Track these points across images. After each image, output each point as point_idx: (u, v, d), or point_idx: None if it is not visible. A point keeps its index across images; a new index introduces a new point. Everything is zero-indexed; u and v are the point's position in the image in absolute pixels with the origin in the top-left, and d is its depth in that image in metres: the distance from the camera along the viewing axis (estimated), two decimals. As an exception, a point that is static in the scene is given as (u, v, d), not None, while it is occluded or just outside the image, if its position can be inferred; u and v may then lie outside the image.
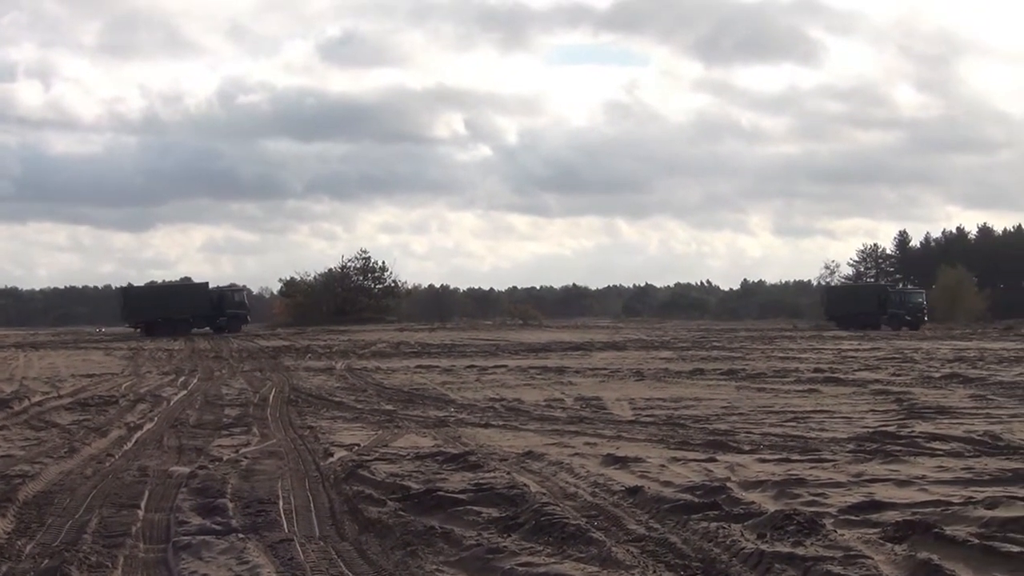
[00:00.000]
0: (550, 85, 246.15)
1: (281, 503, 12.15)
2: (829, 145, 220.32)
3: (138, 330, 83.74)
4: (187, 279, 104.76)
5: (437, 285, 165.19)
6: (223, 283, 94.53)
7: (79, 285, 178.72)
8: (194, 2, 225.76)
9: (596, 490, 12.40)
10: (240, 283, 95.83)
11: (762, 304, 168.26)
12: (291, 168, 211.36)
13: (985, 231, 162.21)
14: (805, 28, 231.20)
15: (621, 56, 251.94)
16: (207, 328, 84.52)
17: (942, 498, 11.68)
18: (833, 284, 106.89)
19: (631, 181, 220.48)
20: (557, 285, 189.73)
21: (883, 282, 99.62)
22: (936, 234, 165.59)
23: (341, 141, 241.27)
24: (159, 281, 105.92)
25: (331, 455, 15.97)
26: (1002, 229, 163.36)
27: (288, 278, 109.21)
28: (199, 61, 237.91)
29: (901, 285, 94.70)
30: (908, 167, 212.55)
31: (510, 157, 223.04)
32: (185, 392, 28.16)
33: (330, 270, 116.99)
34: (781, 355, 44.67)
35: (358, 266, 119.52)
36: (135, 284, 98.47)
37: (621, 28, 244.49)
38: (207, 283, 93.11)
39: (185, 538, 10.48)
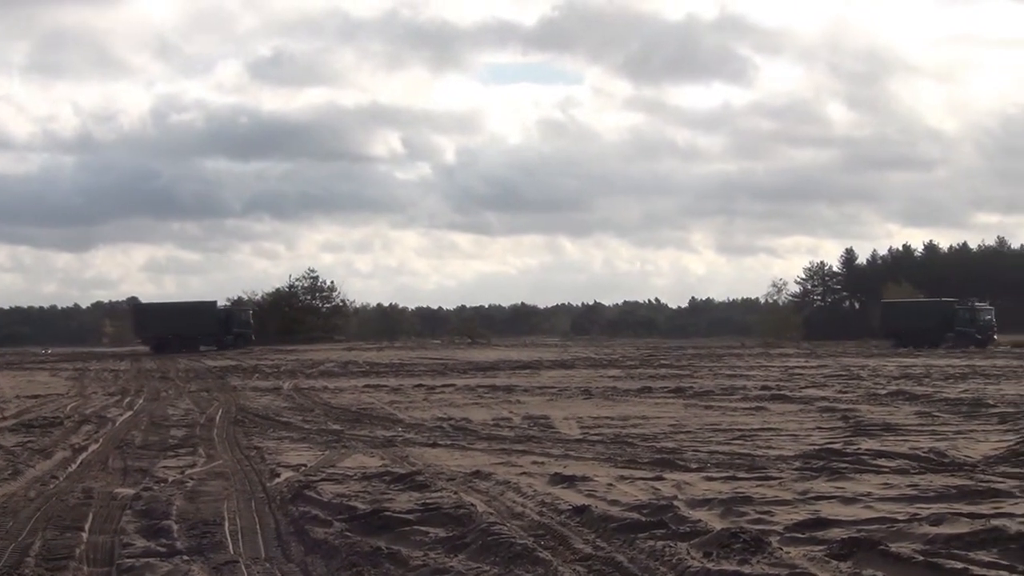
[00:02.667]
0: (485, 103, 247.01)
1: (227, 524, 12.08)
2: (765, 163, 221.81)
3: (148, 347, 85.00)
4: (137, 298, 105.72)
5: (384, 304, 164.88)
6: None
7: (23, 305, 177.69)
8: (121, 21, 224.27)
9: (543, 509, 12.38)
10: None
11: (710, 322, 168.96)
12: (229, 187, 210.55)
13: (931, 249, 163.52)
14: (733, 47, 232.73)
15: (554, 75, 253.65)
16: (214, 346, 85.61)
17: (887, 515, 11.72)
18: (891, 300, 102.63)
19: (571, 199, 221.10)
20: (505, 303, 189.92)
21: (949, 298, 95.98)
22: (882, 251, 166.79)
23: (278, 160, 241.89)
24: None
25: (277, 476, 15.90)
26: (948, 246, 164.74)
27: (236, 297, 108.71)
28: (130, 80, 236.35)
29: (971, 302, 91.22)
30: (845, 185, 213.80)
31: (449, 175, 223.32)
32: (131, 413, 27.96)
33: (277, 289, 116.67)
34: (729, 373, 44.83)
35: (306, 285, 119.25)
36: (145, 301, 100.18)
37: (550, 47, 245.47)
38: (215, 302, 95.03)
39: (129, 560, 10.40)
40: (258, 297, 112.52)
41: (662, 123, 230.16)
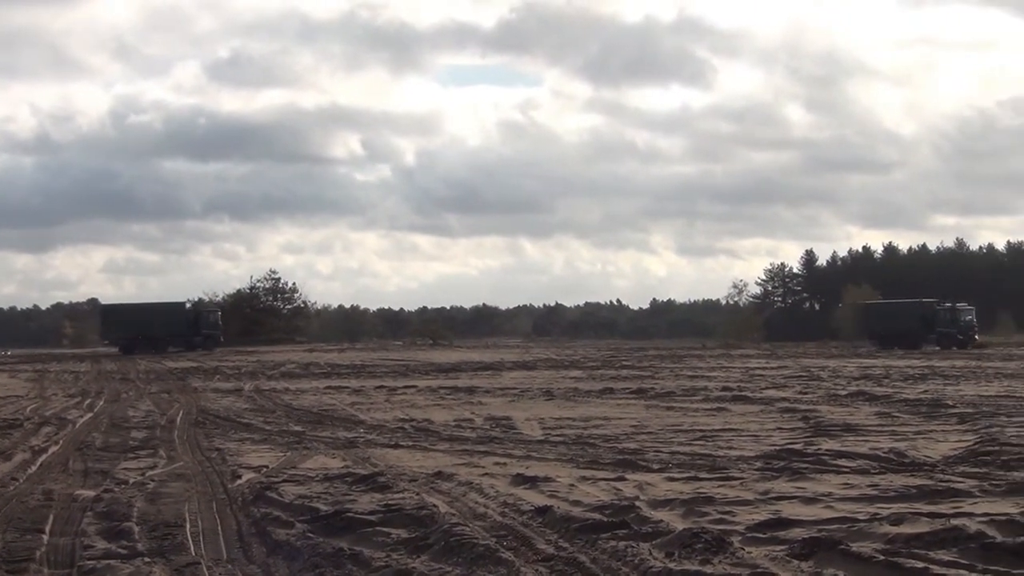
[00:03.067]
0: (444, 105, 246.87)
1: (188, 526, 12.04)
2: (724, 165, 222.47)
3: (116, 348, 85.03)
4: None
5: (345, 305, 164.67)
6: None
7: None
8: (77, 21, 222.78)
9: (505, 510, 12.39)
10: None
11: (671, 323, 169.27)
12: (189, 188, 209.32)
13: (890, 250, 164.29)
14: (691, 49, 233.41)
15: (514, 77, 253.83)
16: (182, 347, 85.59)
17: (848, 515, 11.77)
18: (871, 301, 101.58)
19: (531, 201, 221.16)
20: (466, 305, 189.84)
21: (928, 299, 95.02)
22: (842, 253, 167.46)
23: (238, 161, 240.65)
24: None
25: (239, 477, 15.85)
26: (907, 248, 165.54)
27: (196, 299, 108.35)
28: (88, 80, 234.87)
29: (948, 303, 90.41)
30: (804, 187, 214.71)
31: (409, 177, 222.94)
32: (91, 415, 27.83)
33: (239, 291, 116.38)
34: (690, 374, 44.94)
35: (267, 286, 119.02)
36: (112, 302, 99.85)
37: (509, 49, 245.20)
38: (184, 303, 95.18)
39: (90, 562, 10.35)
40: (219, 299, 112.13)
41: (621, 125, 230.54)
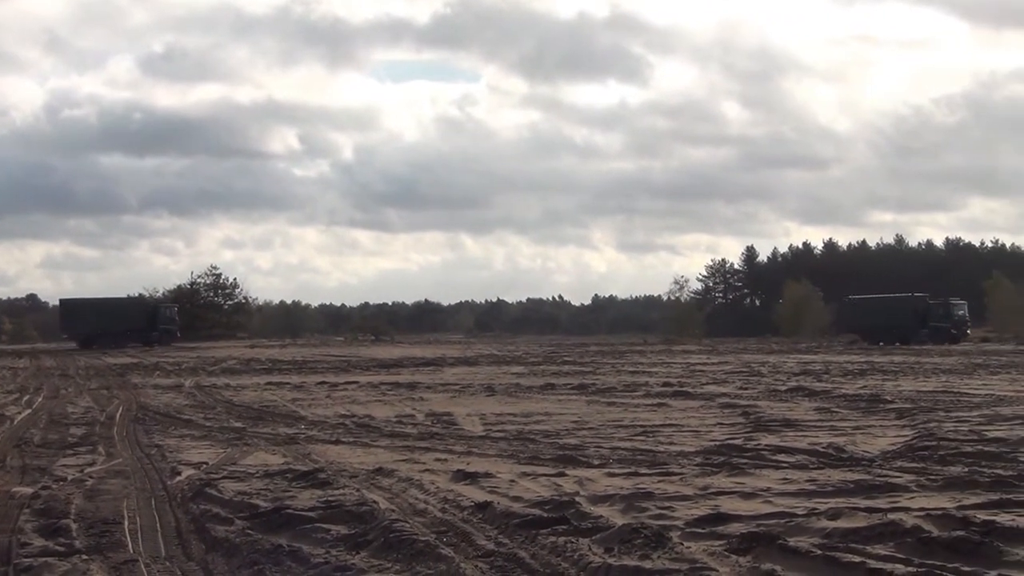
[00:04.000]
0: (381, 101, 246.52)
1: (126, 523, 11.95)
2: (662, 161, 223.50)
3: (75, 342, 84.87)
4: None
5: (287, 301, 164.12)
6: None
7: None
8: (8, 14, 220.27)
9: (446, 506, 12.38)
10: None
11: (613, 319, 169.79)
12: (126, 183, 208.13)
13: (830, 247, 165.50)
14: (626, 45, 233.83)
15: (450, 72, 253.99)
16: (139, 343, 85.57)
17: (786, 510, 11.84)
18: (856, 296, 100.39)
19: (471, 196, 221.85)
20: (408, 301, 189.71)
21: (919, 293, 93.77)
22: (782, 249, 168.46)
23: (175, 156, 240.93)
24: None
25: (178, 474, 15.76)
26: (847, 244, 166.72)
27: (136, 294, 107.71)
28: (21, 74, 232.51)
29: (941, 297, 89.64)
30: (742, 183, 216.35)
31: (348, 172, 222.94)
32: (30, 411, 27.59)
33: (179, 286, 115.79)
34: (631, 369, 45.07)
35: (208, 282, 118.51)
36: (72, 297, 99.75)
37: (444, 45, 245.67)
38: (143, 298, 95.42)
39: (27, 560, 10.26)
40: (160, 294, 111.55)
41: (559, 121, 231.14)
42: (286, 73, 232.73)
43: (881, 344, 78.45)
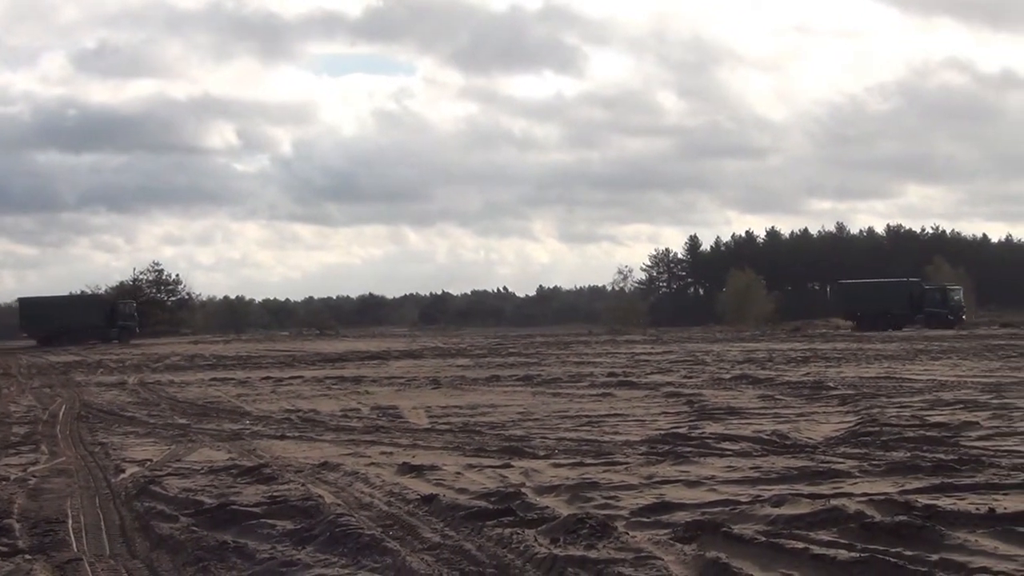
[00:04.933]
0: (318, 94, 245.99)
1: (70, 522, 11.88)
2: (601, 152, 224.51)
3: (35, 341, 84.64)
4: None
5: (230, 296, 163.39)
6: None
7: None
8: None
9: (391, 499, 12.37)
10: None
11: (558, 310, 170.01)
12: (63, 180, 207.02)
13: (773, 235, 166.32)
14: (561, 36, 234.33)
15: (386, 65, 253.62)
16: (98, 340, 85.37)
17: (731, 497, 11.90)
18: (849, 280, 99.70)
19: (411, 189, 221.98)
20: (353, 294, 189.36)
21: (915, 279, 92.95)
22: (725, 238, 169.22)
23: (112, 152, 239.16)
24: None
25: (123, 471, 15.67)
26: (789, 233, 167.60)
27: (79, 292, 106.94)
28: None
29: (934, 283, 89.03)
30: (681, 173, 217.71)
31: (287, 167, 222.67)
32: (-30, 411, 27.37)
33: (121, 283, 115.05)
34: (576, 360, 45.17)
35: (151, 279, 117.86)
36: (31, 296, 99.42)
37: (378, 38, 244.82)
38: (102, 295, 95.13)
39: (-31, 561, 10.19)
40: (102, 291, 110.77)
41: (497, 113, 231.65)
42: (220, 68, 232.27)
43: (874, 331, 77.09)
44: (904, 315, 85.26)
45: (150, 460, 16.92)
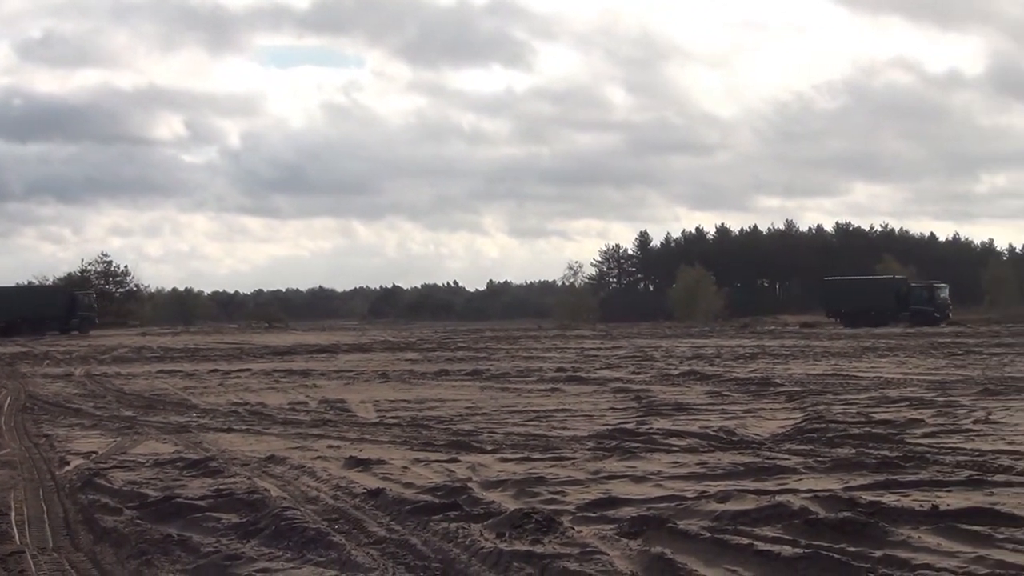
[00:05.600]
0: (266, 86, 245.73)
1: (13, 514, 11.78)
2: (550, 147, 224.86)
3: None
4: None
5: (179, 288, 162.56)
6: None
7: None
8: None
9: (338, 493, 12.34)
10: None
11: (507, 304, 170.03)
12: (10, 170, 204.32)
13: (722, 231, 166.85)
14: (509, 31, 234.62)
15: (335, 58, 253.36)
16: (57, 331, 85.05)
17: (677, 493, 11.93)
18: (835, 277, 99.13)
19: (360, 182, 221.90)
20: (303, 287, 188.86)
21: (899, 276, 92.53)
22: (675, 234, 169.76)
23: (60, 142, 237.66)
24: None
25: (67, 464, 15.57)
26: (739, 229, 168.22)
27: (26, 282, 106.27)
28: None
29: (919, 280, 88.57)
30: (630, 168, 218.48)
31: (235, 159, 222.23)
32: (-86, 402, 27.13)
33: (69, 274, 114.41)
34: (525, 355, 45.20)
35: (99, 270, 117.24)
36: None
37: (326, 30, 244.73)
38: (62, 286, 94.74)
39: (-90, 553, 10.10)
40: (50, 282, 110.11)
41: (445, 107, 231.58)
42: (167, 58, 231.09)
43: (860, 327, 76.50)
44: (890, 312, 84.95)
45: (95, 452, 16.80)
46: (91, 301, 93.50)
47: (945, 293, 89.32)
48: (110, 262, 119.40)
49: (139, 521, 11.14)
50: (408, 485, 12.75)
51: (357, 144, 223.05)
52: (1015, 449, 14.93)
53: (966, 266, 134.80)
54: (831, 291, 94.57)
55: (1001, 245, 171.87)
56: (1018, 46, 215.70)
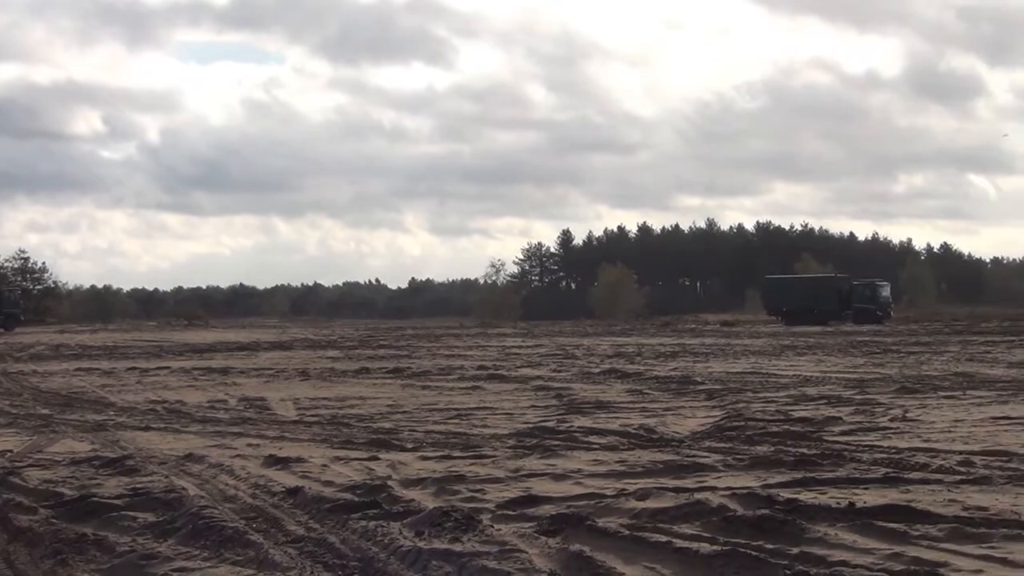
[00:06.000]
0: (185, 82, 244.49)
1: (-75, 514, 11.63)
2: (471, 145, 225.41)
3: None
4: None
5: (98, 286, 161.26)
6: None
7: None
8: None
9: (256, 492, 12.27)
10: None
11: (430, 302, 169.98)
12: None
13: (644, 230, 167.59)
14: (430, 28, 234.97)
15: (255, 54, 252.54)
16: None
17: (596, 491, 11.95)
18: (777, 275, 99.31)
19: (281, 180, 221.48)
20: (223, 285, 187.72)
21: (840, 274, 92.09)
22: (597, 233, 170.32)
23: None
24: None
25: (-19, 462, 15.38)
26: (660, 228, 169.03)
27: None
28: None
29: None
30: (551, 167, 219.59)
31: (154, 155, 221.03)
32: None
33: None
34: (447, 353, 45.19)
35: (16, 267, 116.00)
36: None
37: (245, 26, 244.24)
38: None
39: None
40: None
41: (366, 104, 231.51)
42: (85, 53, 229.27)
43: (801, 326, 76.26)
44: (832, 311, 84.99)
45: (10, 451, 16.59)
46: (17, 298, 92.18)
47: (887, 292, 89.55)
48: (27, 259, 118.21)
49: (54, 520, 11.01)
50: (327, 483, 12.70)
51: (278, 141, 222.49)
52: (931, 447, 15.09)
53: (884, 266, 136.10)
54: (773, 290, 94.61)
55: (919, 245, 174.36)
56: (935, 48, 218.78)
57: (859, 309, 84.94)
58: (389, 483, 12.46)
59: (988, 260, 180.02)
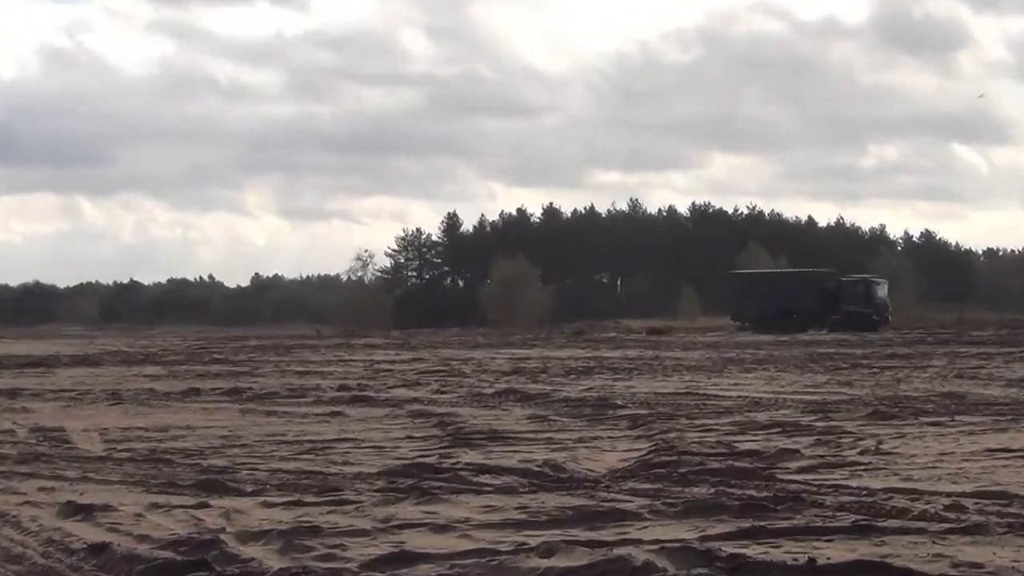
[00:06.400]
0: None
1: None
2: (331, 106, 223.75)
3: None
4: None
5: None
6: None
7: None
8: None
9: (50, 549, 12.13)
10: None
11: (278, 304, 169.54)
12: None
13: (551, 214, 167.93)
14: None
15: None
16: None
17: (488, 546, 11.89)
18: (743, 271, 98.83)
19: (87, 149, 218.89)
20: (12, 282, 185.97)
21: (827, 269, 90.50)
22: (492, 217, 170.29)
23: None
24: None
25: None
26: (571, 211, 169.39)
27: None
28: None
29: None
30: (431, 134, 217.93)
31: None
32: None
33: None
34: (300, 369, 45.14)
35: None
36: None
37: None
38: None
39: None
40: None
41: (196, 54, 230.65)
42: None
43: (775, 334, 75.53)
44: (814, 314, 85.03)
45: None
46: None
47: (884, 291, 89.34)
48: None
49: None
50: (142, 538, 12.55)
51: (83, 99, 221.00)
52: (911, 487, 15.19)
53: (852, 257, 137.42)
54: (739, 288, 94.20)
55: (894, 232, 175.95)
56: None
57: (849, 312, 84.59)
58: (222, 537, 12.33)
59: (980, 252, 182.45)
